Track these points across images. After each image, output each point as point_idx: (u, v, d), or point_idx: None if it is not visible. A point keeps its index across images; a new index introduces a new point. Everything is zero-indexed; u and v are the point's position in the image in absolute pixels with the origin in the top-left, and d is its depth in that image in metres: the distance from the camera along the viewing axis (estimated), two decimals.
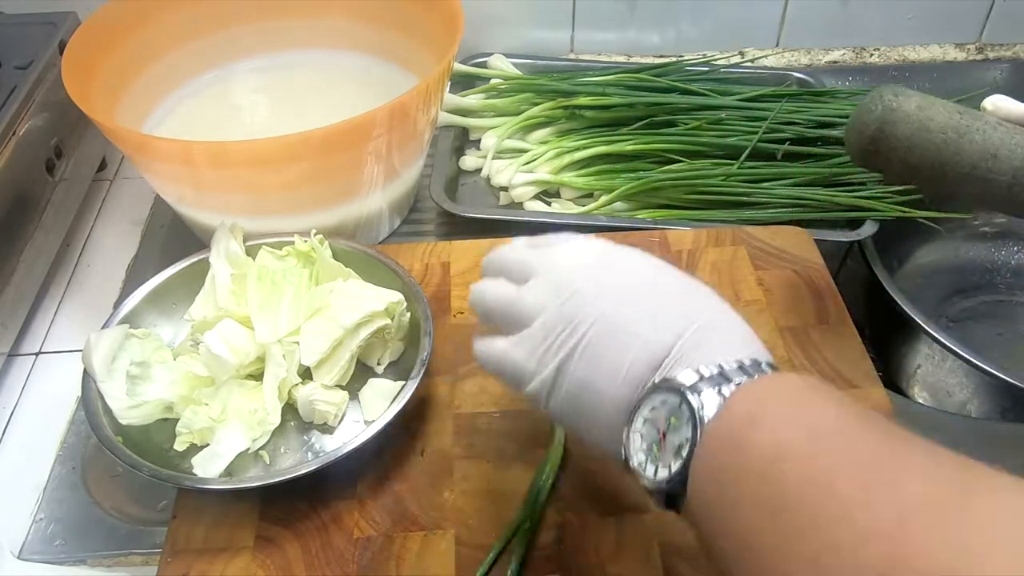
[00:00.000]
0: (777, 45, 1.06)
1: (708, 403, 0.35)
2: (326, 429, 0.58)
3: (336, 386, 0.58)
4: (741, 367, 0.37)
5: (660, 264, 0.44)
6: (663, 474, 0.36)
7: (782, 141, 0.83)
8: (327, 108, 0.74)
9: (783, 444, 0.33)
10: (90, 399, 0.55)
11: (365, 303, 0.58)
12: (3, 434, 0.66)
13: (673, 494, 0.37)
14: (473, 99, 0.90)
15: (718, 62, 0.95)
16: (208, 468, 0.53)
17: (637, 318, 0.40)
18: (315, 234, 0.63)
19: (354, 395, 0.59)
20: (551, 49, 1.03)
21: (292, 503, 0.54)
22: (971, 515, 0.27)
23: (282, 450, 0.57)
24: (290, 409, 0.58)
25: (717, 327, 0.40)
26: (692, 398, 0.36)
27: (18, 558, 0.57)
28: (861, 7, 1.02)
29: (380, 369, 0.61)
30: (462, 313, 0.66)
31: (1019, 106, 0.56)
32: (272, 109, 0.84)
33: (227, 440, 0.54)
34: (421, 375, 0.56)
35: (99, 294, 0.76)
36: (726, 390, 0.36)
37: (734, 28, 1.03)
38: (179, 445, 0.55)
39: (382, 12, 0.82)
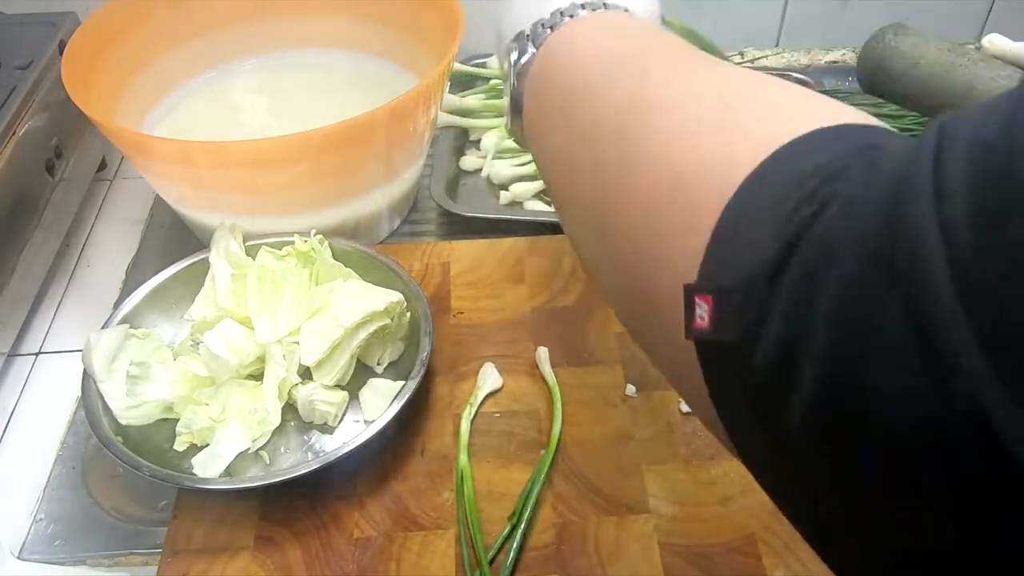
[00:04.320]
0: (777, 45, 1.05)
1: (540, 35, 0.41)
2: (326, 429, 0.58)
3: (336, 386, 0.58)
4: (586, 5, 0.41)
5: None
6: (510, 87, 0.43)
7: None
8: (327, 108, 0.74)
9: (591, 51, 0.38)
10: (90, 399, 0.55)
11: (365, 303, 0.58)
12: (3, 434, 0.66)
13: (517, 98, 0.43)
14: (473, 99, 0.90)
15: None
16: (208, 468, 0.53)
17: None
18: (315, 234, 0.63)
19: (354, 395, 0.59)
20: None
21: (292, 503, 0.54)
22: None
23: (282, 450, 0.57)
24: (290, 409, 0.58)
25: None
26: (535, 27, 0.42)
27: (18, 558, 0.57)
28: (861, 7, 1.02)
29: (380, 369, 0.61)
30: (462, 313, 0.66)
31: (1012, 45, 0.65)
32: (272, 109, 0.84)
33: (227, 440, 0.54)
34: (421, 375, 0.56)
35: (99, 294, 0.76)
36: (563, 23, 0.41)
37: (734, 28, 1.03)
38: (179, 445, 0.55)
39: (382, 12, 0.82)
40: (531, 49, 0.42)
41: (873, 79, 0.71)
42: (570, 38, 0.40)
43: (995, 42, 0.68)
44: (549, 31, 0.41)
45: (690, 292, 0.24)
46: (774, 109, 0.28)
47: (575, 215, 0.36)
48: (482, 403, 0.59)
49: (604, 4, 0.42)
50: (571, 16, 0.41)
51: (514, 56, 0.43)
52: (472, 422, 0.58)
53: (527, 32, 0.43)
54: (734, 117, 0.28)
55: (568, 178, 0.36)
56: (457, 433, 0.57)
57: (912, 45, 0.67)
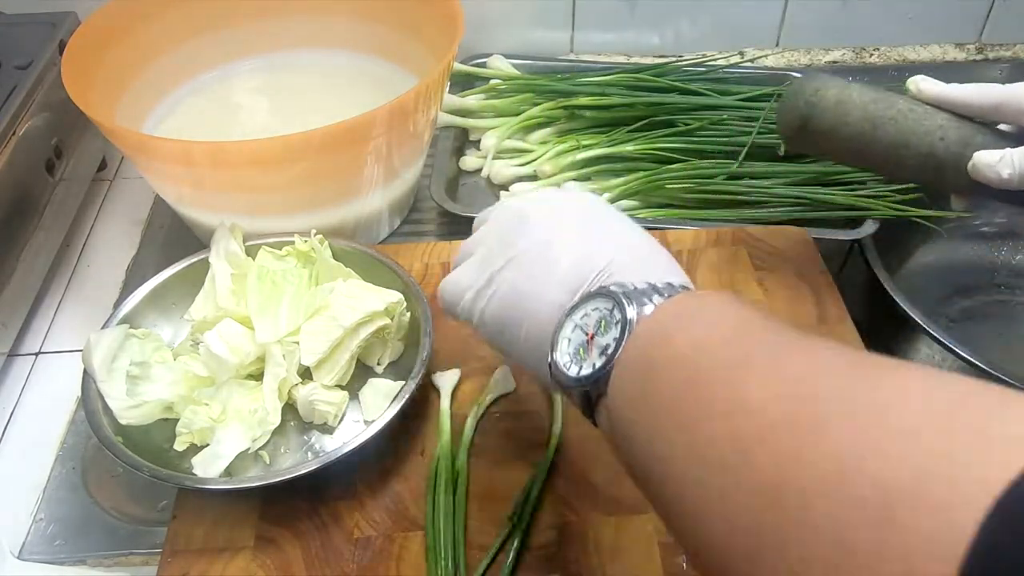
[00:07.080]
0: (777, 45, 1.06)
1: (639, 309, 0.37)
2: (326, 429, 0.58)
3: (336, 386, 0.58)
4: (670, 285, 0.39)
5: (605, 206, 0.46)
6: (586, 371, 0.38)
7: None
8: (327, 108, 0.73)
9: (702, 338, 0.34)
10: (90, 399, 0.55)
11: (365, 303, 0.58)
12: (3, 434, 0.66)
13: (590, 395, 0.38)
14: (473, 99, 0.90)
15: (718, 62, 0.95)
16: (208, 468, 0.53)
17: (574, 237, 0.43)
18: (315, 234, 0.63)
19: (354, 395, 0.59)
20: (551, 49, 1.03)
21: (292, 503, 0.54)
22: (874, 413, 0.26)
23: (282, 450, 0.57)
24: (290, 409, 0.58)
25: (651, 253, 0.43)
26: (625, 303, 0.37)
27: (18, 558, 0.57)
28: (861, 7, 1.02)
29: (380, 369, 0.61)
30: None
31: (940, 88, 0.60)
32: (272, 109, 0.84)
33: (227, 440, 0.54)
34: (421, 375, 0.56)
35: (99, 294, 0.76)
36: (657, 299, 0.37)
37: (734, 28, 1.03)
38: (179, 445, 0.55)
39: (382, 12, 0.82)
40: (649, 306, 0.37)
41: (798, 137, 0.62)
42: (672, 327, 0.36)
43: (923, 87, 0.60)
44: (637, 308, 0.37)
45: None
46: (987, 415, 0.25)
47: (703, 535, 0.31)
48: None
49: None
50: (664, 295, 0.37)
51: (605, 335, 0.38)
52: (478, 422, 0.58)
53: (642, 288, 0.38)
54: (948, 423, 0.24)
55: (698, 504, 0.31)
56: (458, 433, 0.57)
57: (836, 102, 0.60)
